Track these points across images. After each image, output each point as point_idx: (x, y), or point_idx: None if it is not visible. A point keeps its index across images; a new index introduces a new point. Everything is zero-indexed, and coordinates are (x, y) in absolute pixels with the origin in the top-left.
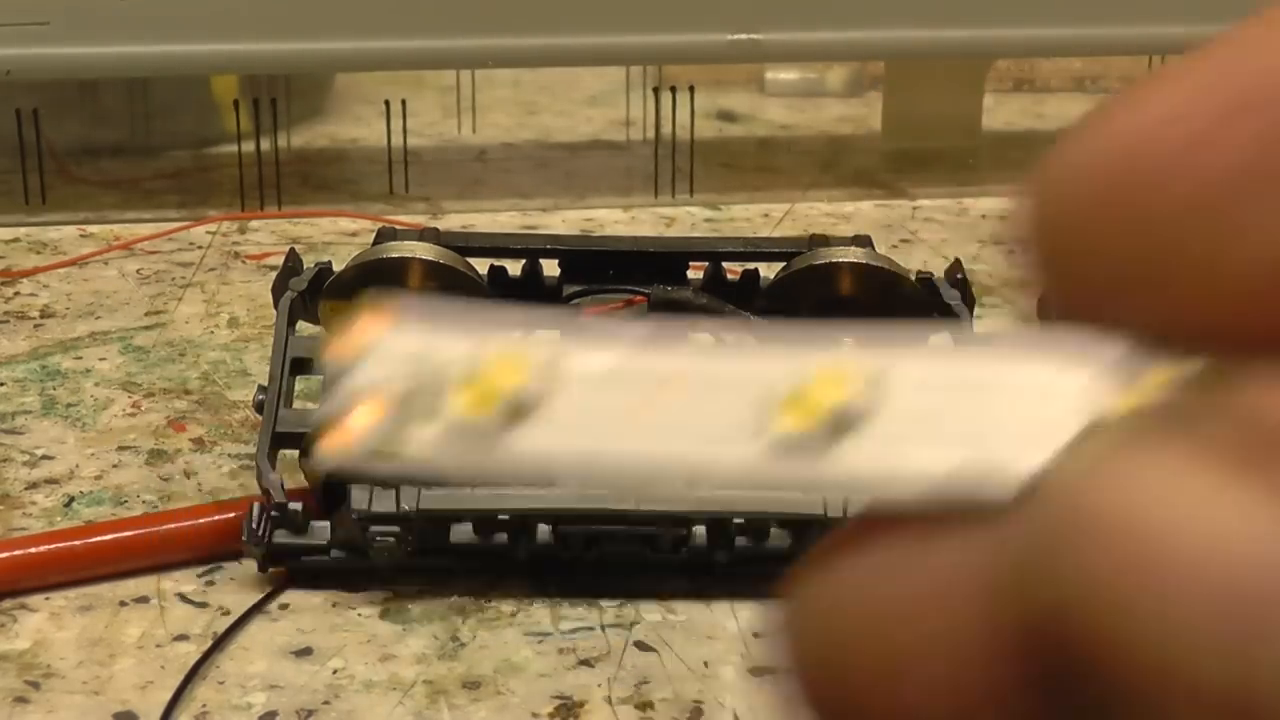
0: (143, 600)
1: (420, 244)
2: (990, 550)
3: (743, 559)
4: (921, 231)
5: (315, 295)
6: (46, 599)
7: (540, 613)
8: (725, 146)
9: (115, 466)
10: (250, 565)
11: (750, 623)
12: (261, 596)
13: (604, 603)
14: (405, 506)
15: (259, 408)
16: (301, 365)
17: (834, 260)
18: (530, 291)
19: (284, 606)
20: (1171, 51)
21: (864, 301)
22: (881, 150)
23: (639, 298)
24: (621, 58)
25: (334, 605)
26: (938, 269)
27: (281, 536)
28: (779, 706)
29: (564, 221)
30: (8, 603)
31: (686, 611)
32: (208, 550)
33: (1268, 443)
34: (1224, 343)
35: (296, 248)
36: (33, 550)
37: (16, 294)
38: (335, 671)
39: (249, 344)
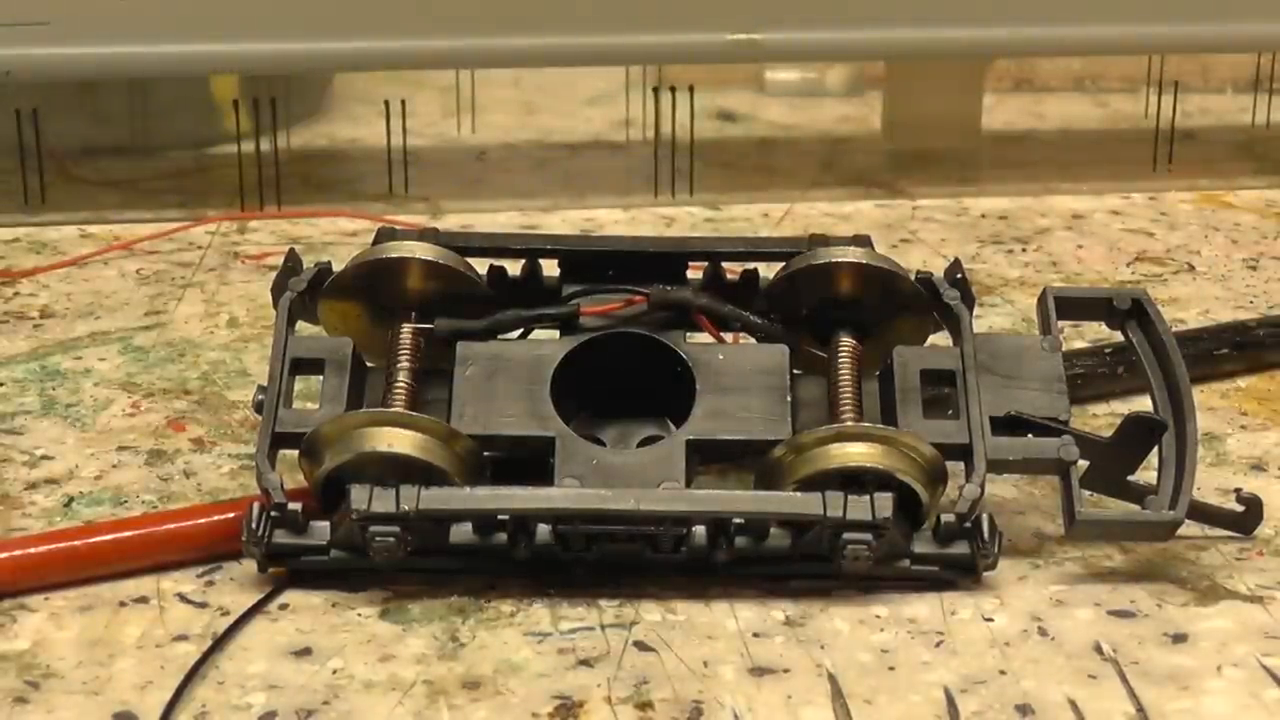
0: (142, 600)
1: (420, 244)
2: None
3: (743, 559)
4: (921, 231)
5: (315, 295)
6: (46, 599)
7: (540, 613)
8: (725, 146)
9: (115, 466)
10: (250, 565)
11: (750, 623)
12: (261, 596)
13: (604, 603)
14: (405, 506)
15: (258, 408)
16: (301, 365)
17: (833, 260)
18: (530, 291)
19: (284, 606)
20: (1172, 51)
21: (863, 301)
22: (881, 150)
23: (639, 298)
24: (621, 58)
25: (334, 605)
26: (937, 269)
27: (281, 536)
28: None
29: (564, 221)
30: (7, 603)
31: (686, 611)
32: (207, 550)
33: None
34: None
35: (296, 248)
36: (32, 550)
37: (16, 294)
38: (335, 671)
39: (249, 344)
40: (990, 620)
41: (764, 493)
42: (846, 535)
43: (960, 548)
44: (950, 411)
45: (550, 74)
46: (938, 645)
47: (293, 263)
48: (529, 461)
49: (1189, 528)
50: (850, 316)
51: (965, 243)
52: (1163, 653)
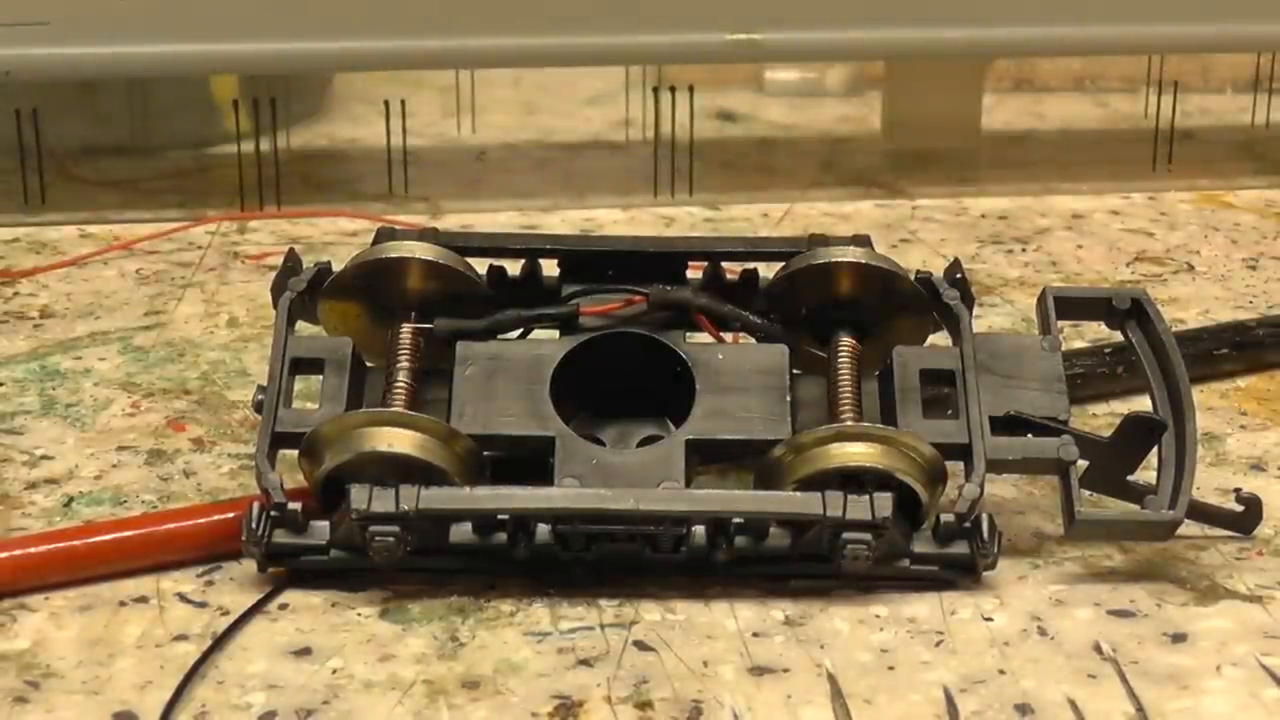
0: (142, 600)
1: (420, 244)
2: None
3: (742, 559)
4: (921, 231)
5: (315, 295)
6: (46, 599)
7: (540, 612)
8: (725, 146)
9: (115, 466)
10: (250, 565)
11: (750, 622)
12: (261, 596)
13: (603, 602)
14: (405, 506)
15: (258, 407)
16: (301, 365)
17: (833, 260)
18: (530, 291)
19: (283, 606)
20: (1172, 51)
21: (863, 301)
22: (881, 150)
23: (638, 298)
24: (621, 58)
25: (333, 605)
26: (937, 268)
27: (281, 536)
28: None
29: (564, 221)
30: (7, 603)
31: (686, 611)
32: (207, 550)
33: None
34: None
35: (296, 248)
36: (32, 550)
37: (16, 294)
38: (334, 671)
39: (248, 344)
40: (990, 620)
41: (764, 492)
42: (846, 535)
43: (960, 547)
44: (950, 411)
45: (550, 74)
46: (937, 645)
47: (292, 262)
48: (529, 461)
49: (1189, 527)
50: (850, 316)
51: (965, 243)
52: (1162, 652)
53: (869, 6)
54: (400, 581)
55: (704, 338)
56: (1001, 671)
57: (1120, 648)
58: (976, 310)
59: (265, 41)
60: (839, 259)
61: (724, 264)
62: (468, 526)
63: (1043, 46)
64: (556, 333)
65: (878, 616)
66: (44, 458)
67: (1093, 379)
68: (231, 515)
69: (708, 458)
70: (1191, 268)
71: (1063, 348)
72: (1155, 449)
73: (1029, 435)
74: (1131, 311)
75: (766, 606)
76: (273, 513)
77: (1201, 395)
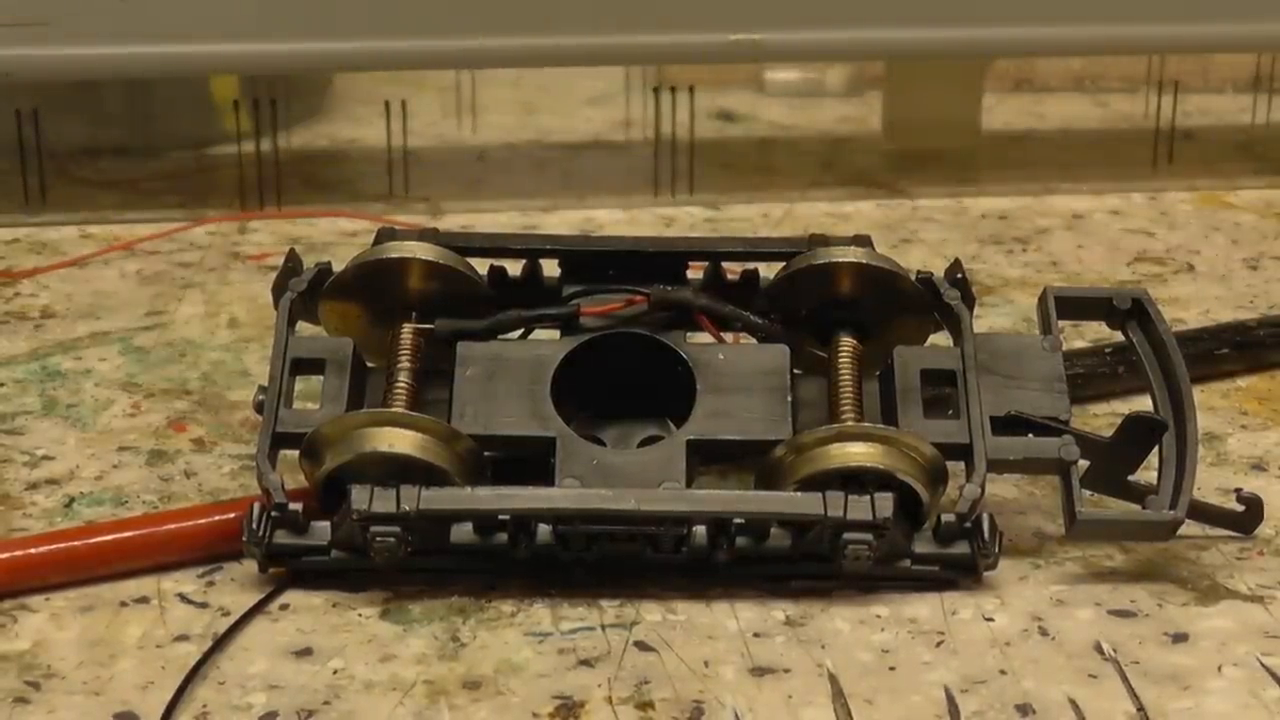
0: (143, 601)
1: (420, 244)
2: None
3: (743, 559)
4: (921, 231)
5: (315, 295)
6: (47, 599)
7: (540, 613)
8: (725, 146)
9: (115, 467)
10: (250, 565)
11: (750, 623)
12: (262, 597)
13: (604, 603)
14: (405, 507)
15: (259, 408)
16: (302, 365)
17: (833, 260)
18: (530, 291)
19: (284, 607)
20: (1172, 51)
21: (864, 302)
22: (881, 150)
23: (639, 298)
24: (621, 58)
25: (334, 605)
26: (937, 269)
27: (282, 537)
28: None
29: (563, 222)
30: (8, 603)
31: (686, 611)
32: (208, 551)
33: None
34: None
35: (296, 248)
36: (33, 551)
37: (16, 294)
38: (335, 672)
39: (249, 344)
40: (991, 620)
41: (764, 493)
42: (847, 535)
43: (961, 547)
44: (950, 411)
45: (550, 74)
46: (938, 645)
47: (293, 263)
48: (529, 461)
49: (1189, 527)
50: (850, 316)
51: (965, 243)
52: (1163, 652)
53: (869, 6)
54: (401, 582)
55: (705, 338)
56: (1002, 672)
57: (1121, 648)
58: (977, 310)
59: (265, 41)
60: (839, 259)
61: (724, 264)
62: (468, 527)
63: (1043, 46)
64: (557, 333)
65: (879, 617)
66: (45, 458)
67: (1093, 379)
68: (232, 516)
69: (709, 458)
70: (1192, 268)
71: (1063, 348)
72: (1156, 449)
73: (1030, 435)
74: (1132, 311)
75: (767, 607)
76: (273, 513)
77: (1202, 395)
